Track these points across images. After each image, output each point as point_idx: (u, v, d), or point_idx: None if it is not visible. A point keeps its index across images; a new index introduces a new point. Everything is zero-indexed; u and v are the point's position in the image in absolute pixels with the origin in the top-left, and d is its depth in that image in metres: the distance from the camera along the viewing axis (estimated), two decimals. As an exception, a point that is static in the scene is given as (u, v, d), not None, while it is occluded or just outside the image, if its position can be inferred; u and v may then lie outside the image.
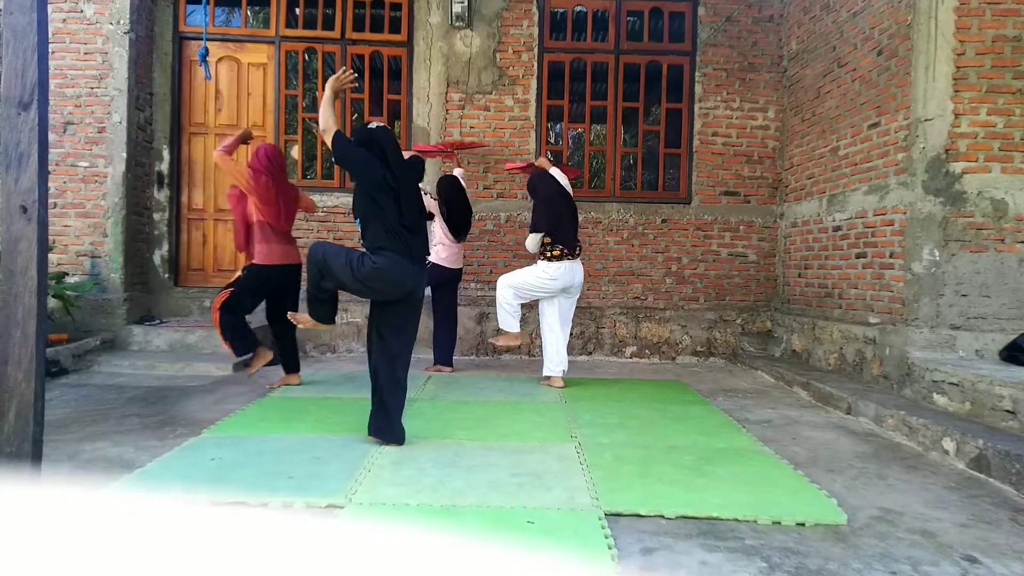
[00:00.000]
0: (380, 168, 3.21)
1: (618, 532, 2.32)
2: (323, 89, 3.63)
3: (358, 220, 3.28)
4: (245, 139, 4.58)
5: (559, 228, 4.79)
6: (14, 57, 2.22)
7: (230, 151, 4.33)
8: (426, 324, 5.69)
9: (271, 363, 5.45)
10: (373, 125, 3.36)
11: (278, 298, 4.57)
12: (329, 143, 3.25)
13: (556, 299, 4.93)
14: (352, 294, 3.49)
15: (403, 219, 3.22)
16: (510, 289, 4.89)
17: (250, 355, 4.58)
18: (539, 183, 4.90)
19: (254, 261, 4.43)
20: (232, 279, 4.48)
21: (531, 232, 4.85)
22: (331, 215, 6.33)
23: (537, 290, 4.87)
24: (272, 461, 3.01)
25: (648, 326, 6.49)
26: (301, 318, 3.52)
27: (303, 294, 4.02)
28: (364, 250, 3.24)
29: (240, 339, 4.40)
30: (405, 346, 3.38)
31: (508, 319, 4.93)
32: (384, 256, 3.16)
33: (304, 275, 3.85)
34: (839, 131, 5.42)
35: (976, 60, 4.31)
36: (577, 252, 4.89)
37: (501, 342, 5.06)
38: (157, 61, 6.31)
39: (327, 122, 3.28)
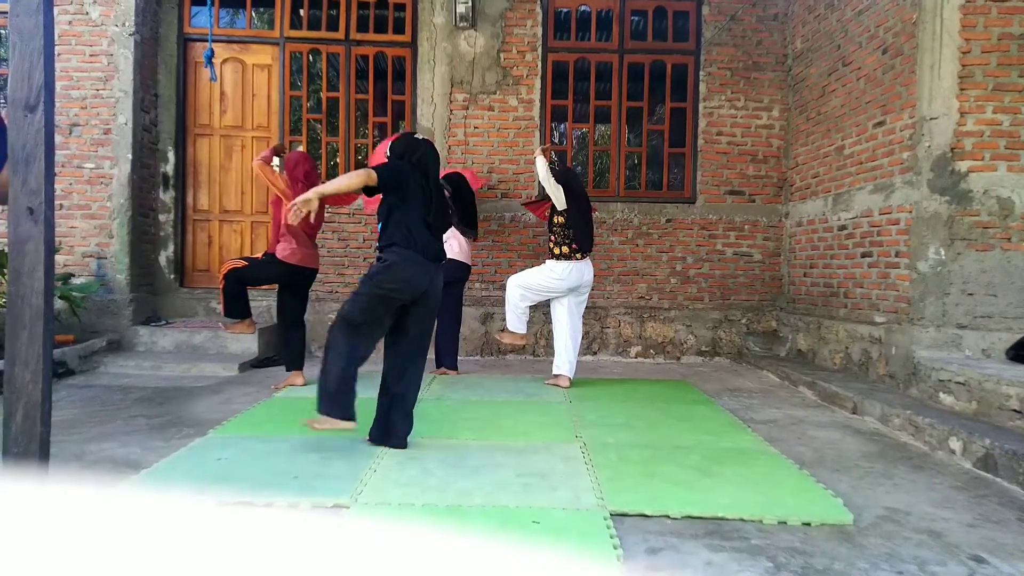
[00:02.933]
0: (417, 173, 3.28)
1: (623, 532, 2.32)
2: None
3: (380, 223, 3.29)
4: (279, 151, 4.69)
5: (580, 226, 4.81)
6: (20, 59, 2.23)
7: (268, 161, 4.48)
8: (431, 324, 5.70)
9: (272, 364, 5.51)
10: (419, 136, 3.52)
11: (289, 297, 4.66)
12: (375, 183, 3.13)
13: (566, 298, 4.92)
14: (380, 316, 3.20)
15: (428, 216, 3.28)
16: (518, 289, 4.90)
17: (236, 320, 4.63)
18: (571, 177, 4.92)
19: (275, 254, 4.54)
20: (250, 256, 4.68)
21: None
22: (336, 216, 6.33)
23: (545, 291, 4.88)
24: (278, 461, 3.02)
25: (653, 326, 6.48)
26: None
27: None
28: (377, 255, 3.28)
29: (235, 304, 4.53)
30: (421, 351, 3.38)
31: (514, 320, 4.95)
32: (394, 252, 3.18)
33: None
34: (844, 130, 5.40)
35: (982, 58, 4.30)
36: (588, 252, 4.90)
37: (507, 340, 5.04)
38: (162, 63, 6.33)
39: (354, 181, 3.13)
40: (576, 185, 4.92)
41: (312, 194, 3.07)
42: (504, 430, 3.68)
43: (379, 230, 3.31)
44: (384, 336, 3.31)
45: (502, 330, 5.18)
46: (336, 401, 3.07)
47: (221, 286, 4.46)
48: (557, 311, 4.98)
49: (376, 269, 3.19)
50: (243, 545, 2.19)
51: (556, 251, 4.82)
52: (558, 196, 4.76)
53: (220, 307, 4.60)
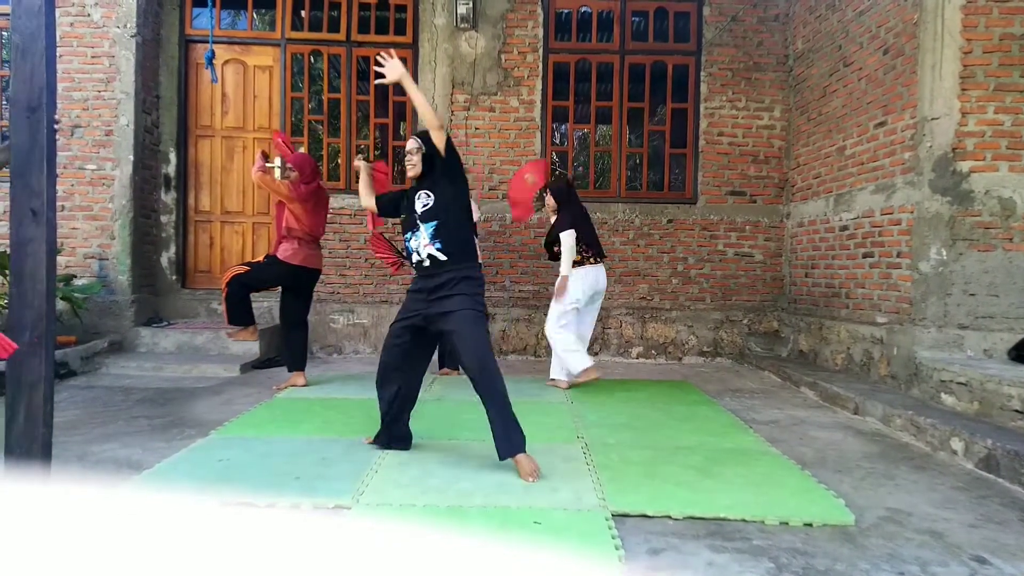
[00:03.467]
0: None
1: (625, 532, 2.32)
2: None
3: (435, 223, 3.02)
4: (266, 154, 4.67)
5: (588, 235, 4.83)
6: (23, 61, 2.24)
7: (263, 168, 4.46)
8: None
9: (274, 364, 5.51)
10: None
11: (292, 298, 4.67)
12: (444, 142, 3.04)
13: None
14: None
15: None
16: (556, 327, 4.78)
17: (240, 327, 4.61)
18: (572, 194, 4.92)
19: (277, 255, 4.55)
20: (251, 260, 4.66)
21: (565, 231, 4.69)
22: (337, 216, 6.34)
23: (572, 305, 4.79)
24: (280, 462, 3.02)
25: (654, 326, 6.48)
26: None
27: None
28: (443, 271, 3.02)
29: (238, 310, 4.50)
30: None
31: (575, 358, 4.74)
32: (478, 268, 3.11)
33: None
34: (845, 130, 5.40)
35: (983, 58, 4.29)
36: (602, 256, 4.91)
37: (583, 380, 4.75)
38: (164, 64, 6.34)
39: (433, 117, 3.03)
40: (575, 197, 4.96)
41: (401, 69, 2.99)
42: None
43: (429, 230, 3.03)
44: (419, 346, 3.18)
45: (574, 376, 4.83)
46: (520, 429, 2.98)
47: (224, 293, 4.43)
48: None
49: (479, 292, 3.04)
50: (245, 546, 2.19)
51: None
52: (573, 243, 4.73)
53: (224, 315, 4.56)
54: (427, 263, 3.04)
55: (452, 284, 2.99)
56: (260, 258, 4.75)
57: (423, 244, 3.03)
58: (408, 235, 3.12)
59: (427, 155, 3.09)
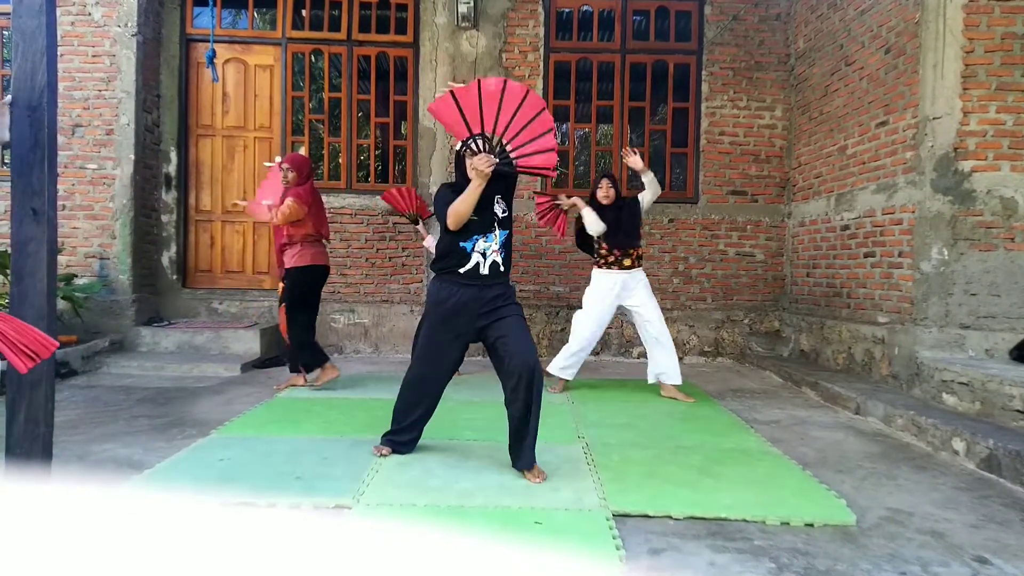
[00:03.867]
0: None
1: (626, 533, 2.32)
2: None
3: (507, 232, 3.01)
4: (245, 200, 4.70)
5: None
6: (23, 60, 2.24)
7: (267, 209, 4.43)
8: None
9: (273, 364, 5.50)
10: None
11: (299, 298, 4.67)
12: None
13: (607, 306, 4.76)
14: None
15: None
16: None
17: (318, 370, 4.61)
18: None
19: (288, 265, 4.53)
20: (280, 295, 4.63)
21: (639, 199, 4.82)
22: (338, 216, 6.33)
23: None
24: (280, 462, 3.02)
25: (655, 326, 6.45)
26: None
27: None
28: (499, 282, 3.00)
29: (309, 352, 4.58)
30: None
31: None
32: None
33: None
34: (847, 130, 5.39)
35: (985, 58, 4.29)
36: None
37: (680, 397, 4.62)
38: (164, 63, 6.34)
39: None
40: None
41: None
42: (506, 430, 3.66)
43: (506, 238, 3.02)
44: (458, 355, 3.16)
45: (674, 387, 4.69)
46: None
47: (288, 346, 4.54)
48: (584, 314, 4.85)
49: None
50: (246, 545, 2.19)
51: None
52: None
53: (301, 367, 4.67)
54: (487, 271, 2.94)
55: (508, 295, 3.01)
56: (280, 289, 4.66)
57: (492, 249, 2.96)
58: (475, 238, 2.93)
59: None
